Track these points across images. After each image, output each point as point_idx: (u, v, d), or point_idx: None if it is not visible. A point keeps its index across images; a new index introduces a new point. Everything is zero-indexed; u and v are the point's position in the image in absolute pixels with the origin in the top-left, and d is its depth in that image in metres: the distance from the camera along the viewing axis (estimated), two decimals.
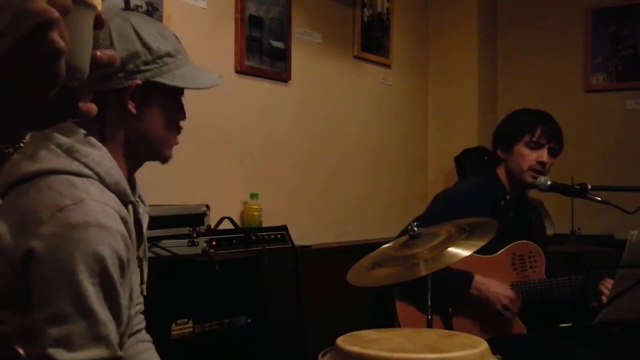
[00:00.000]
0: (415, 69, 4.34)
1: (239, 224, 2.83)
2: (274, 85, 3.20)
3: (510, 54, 4.51)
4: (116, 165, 1.28)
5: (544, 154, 2.46)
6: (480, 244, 1.87)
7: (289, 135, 3.31)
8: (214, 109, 2.81)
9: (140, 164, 1.40)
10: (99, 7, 2.14)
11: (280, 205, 3.17)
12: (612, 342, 2.61)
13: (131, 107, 1.31)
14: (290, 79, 3.26)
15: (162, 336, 1.93)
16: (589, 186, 2.26)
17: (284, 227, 2.82)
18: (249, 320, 2.28)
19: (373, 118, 3.93)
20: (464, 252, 1.84)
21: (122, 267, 1.21)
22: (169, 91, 1.36)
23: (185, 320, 2.06)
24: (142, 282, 1.45)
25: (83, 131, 1.26)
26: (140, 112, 1.33)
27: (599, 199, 2.24)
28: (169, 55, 1.33)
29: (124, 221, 1.23)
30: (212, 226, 2.55)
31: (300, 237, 3.01)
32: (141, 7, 2.53)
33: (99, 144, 1.27)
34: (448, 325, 2.38)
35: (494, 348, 1.49)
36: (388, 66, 4.03)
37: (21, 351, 0.93)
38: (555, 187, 2.38)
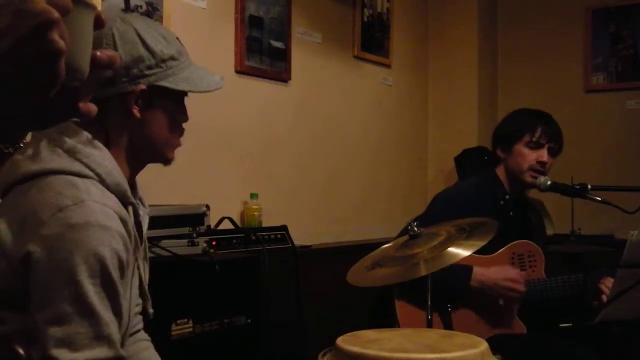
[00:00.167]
0: (415, 69, 4.34)
1: (239, 224, 2.83)
2: (274, 85, 3.20)
3: (510, 54, 4.51)
4: (117, 166, 1.29)
5: (543, 154, 2.47)
6: (481, 244, 1.87)
7: (289, 135, 3.31)
8: (214, 109, 2.81)
9: (142, 166, 1.41)
10: (99, 7, 2.14)
11: (280, 205, 3.17)
12: (612, 342, 2.61)
13: (135, 111, 1.32)
14: (290, 79, 3.26)
15: (162, 336, 1.93)
16: (589, 186, 2.26)
17: (284, 227, 2.82)
18: (249, 320, 2.28)
19: (373, 118, 3.93)
20: (464, 252, 1.84)
21: (122, 267, 1.21)
22: (172, 95, 1.36)
23: (185, 320, 2.06)
24: (142, 283, 1.45)
25: (85, 132, 1.26)
26: (144, 115, 1.34)
27: (599, 199, 2.24)
28: (172, 58, 1.34)
29: (124, 222, 1.24)
30: (212, 226, 2.55)
31: (300, 237, 3.01)
32: (141, 7, 2.52)
33: (101, 145, 1.27)
34: (448, 325, 2.37)
35: (494, 348, 1.49)
36: (388, 66, 4.03)
37: (21, 351, 0.93)
38: (555, 187, 2.38)
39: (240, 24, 2.97)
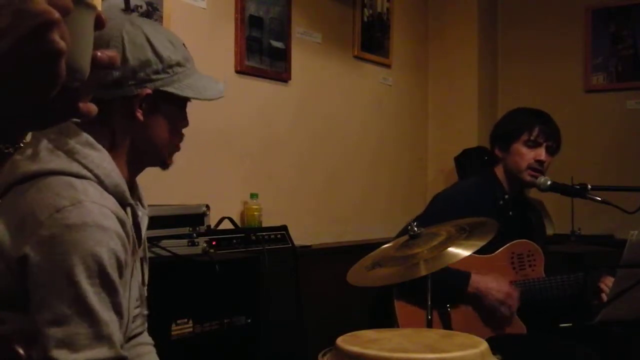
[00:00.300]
0: (415, 69, 4.34)
1: (239, 224, 2.83)
2: (274, 85, 3.20)
3: (510, 54, 4.51)
4: (116, 168, 1.29)
5: (541, 153, 2.47)
6: (481, 244, 1.87)
7: (289, 135, 3.31)
8: (214, 109, 2.80)
9: (142, 169, 1.41)
10: (99, 7, 2.14)
11: (280, 205, 3.17)
12: (612, 342, 2.61)
13: (139, 114, 1.33)
14: (290, 79, 3.26)
15: (162, 336, 1.93)
16: (589, 186, 2.26)
17: (284, 227, 2.82)
18: (249, 320, 2.28)
19: (373, 118, 3.93)
20: (464, 252, 1.84)
21: (121, 267, 1.21)
22: (176, 100, 1.37)
23: (185, 320, 2.06)
24: (143, 284, 1.45)
25: (85, 133, 1.27)
26: (147, 119, 1.34)
27: (599, 199, 2.24)
28: (178, 64, 1.35)
29: (122, 223, 1.24)
30: (212, 226, 2.55)
31: (300, 237, 3.01)
32: (141, 7, 2.52)
33: (100, 147, 1.27)
34: (447, 325, 2.38)
35: (494, 348, 1.49)
36: (388, 66, 4.03)
37: (21, 351, 0.93)
38: (555, 187, 2.38)
39: (240, 24, 2.97)
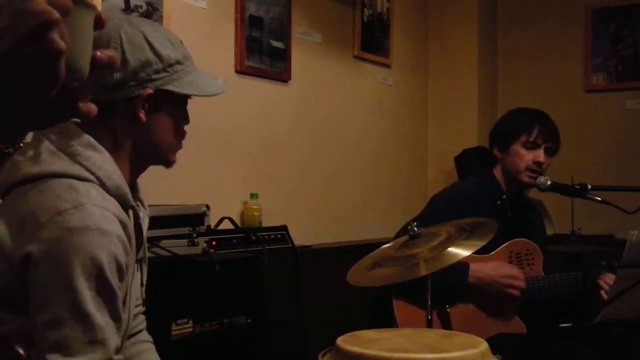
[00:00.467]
0: (415, 69, 4.34)
1: (239, 224, 2.83)
2: (274, 85, 3.20)
3: (510, 54, 4.51)
4: (117, 169, 1.29)
5: (540, 154, 2.46)
6: (481, 244, 1.87)
7: (289, 135, 3.31)
8: (214, 109, 2.81)
9: (144, 169, 1.41)
10: (99, 7, 2.14)
11: (280, 205, 3.17)
12: (612, 342, 2.62)
13: (142, 115, 1.33)
14: (290, 79, 3.26)
15: (162, 336, 1.93)
16: (589, 186, 2.26)
17: (284, 227, 2.82)
18: (249, 320, 2.28)
19: (373, 118, 3.93)
20: (464, 252, 1.84)
21: (121, 271, 1.21)
22: (177, 99, 1.37)
23: (185, 320, 2.06)
24: (142, 285, 1.45)
25: (86, 135, 1.26)
26: (150, 119, 1.34)
27: (599, 199, 2.24)
28: (178, 62, 1.35)
29: (124, 225, 1.24)
30: (212, 226, 2.55)
31: (300, 237, 3.01)
32: (141, 7, 2.52)
33: (101, 148, 1.27)
34: (446, 325, 2.37)
35: (494, 348, 1.49)
36: (388, 66, 4.03)
37: (21, 351, 0.93)
38: (555, 187, 2.38)
39: (240, 24, 2.97)
